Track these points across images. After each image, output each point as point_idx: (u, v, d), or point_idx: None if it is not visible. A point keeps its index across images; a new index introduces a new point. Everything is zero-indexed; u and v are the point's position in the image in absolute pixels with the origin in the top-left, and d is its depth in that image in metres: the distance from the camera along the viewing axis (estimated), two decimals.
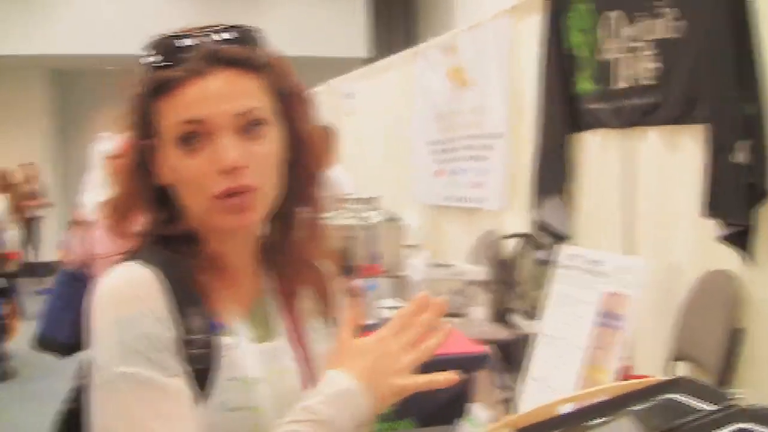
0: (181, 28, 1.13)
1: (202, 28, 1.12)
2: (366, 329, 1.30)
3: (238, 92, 1.09)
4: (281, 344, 1.17)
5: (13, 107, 13.06)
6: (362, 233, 3.12)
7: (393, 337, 1.07)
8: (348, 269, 2.95)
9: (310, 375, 1.17)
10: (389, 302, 4.06)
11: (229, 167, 1.06)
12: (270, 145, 1.12)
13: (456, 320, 4.40)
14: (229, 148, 1.06)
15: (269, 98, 1.13)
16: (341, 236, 3.11)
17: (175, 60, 1.09)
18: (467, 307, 4.35)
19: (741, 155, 2.74)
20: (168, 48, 1.11)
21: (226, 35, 1.12)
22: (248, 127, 1.09)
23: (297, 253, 1.21)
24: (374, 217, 3.18)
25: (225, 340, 1.09)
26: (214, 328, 1.08)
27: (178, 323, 1.05)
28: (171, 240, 1.13)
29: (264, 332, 1.17)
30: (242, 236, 1.17)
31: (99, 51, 10.72)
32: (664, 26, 3.19)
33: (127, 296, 1.04)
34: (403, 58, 6.67)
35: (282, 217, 1.19)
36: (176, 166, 1.09)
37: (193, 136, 1.07)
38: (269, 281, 1.22)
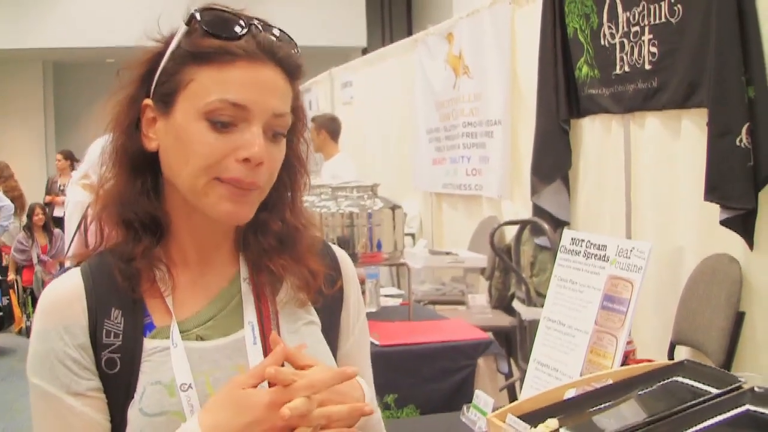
0: (228, 8, 1.09)
1: (250, 17, 1.09)
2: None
3: (282, 93, 1.09)
4: (244, 337, 1.12)
5: (10, 101, 13.03)
6: (362, 221, 3.11)
7: (279, 392, 0.99)
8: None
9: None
10: (390, 290, 4.07)
11: (256, 160, 1.04)
12: (282, 153, 1.11)
13: (458, 308, 4.42)
14: (261, 142, 1.05)
15: (289, 109, 1.12)
16: (341, 224, 3.10)
17: (228, 34, 1.06)
18: (468, 294, 4.36)
19: (744, 139, 2.74)
20: (223, 20, 1.07)
21: (277, 33, 1.10)
22: (275, 129, 1.08)
23: (272, 246, 1.17)
24: (374, 204, 3.17)
25: (152, 342, 1.08)
26: (146, 329, 1.08)
27: (98, 329, 1.06)
28: (137, 223, 1.11)
29: (224, 326, 1.12)
30: (223, 226, 1.14)
31: (97, 43, 10.68)
32: (663, 10, 3.18)
33: (46, 309, 1.08)
34: (402, 47, 6.65)
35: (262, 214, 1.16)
36: (191, 138, 1.05)
37: (226, 117, 1.05)
38: (245, 269, 1.17)
